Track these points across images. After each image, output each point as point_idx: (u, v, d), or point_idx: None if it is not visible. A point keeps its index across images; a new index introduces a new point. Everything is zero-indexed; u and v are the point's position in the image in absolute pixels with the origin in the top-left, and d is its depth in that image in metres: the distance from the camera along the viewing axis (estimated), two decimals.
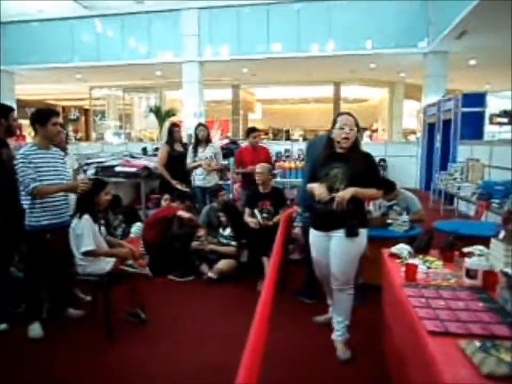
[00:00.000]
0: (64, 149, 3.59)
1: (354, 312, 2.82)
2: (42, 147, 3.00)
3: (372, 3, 9.97)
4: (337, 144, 2.64)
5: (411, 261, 2.37)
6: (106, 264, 3.04)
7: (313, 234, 2.80)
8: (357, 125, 2.66)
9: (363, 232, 2.69)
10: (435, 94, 9.94)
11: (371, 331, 2.94)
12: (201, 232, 4.51)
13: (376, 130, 15.87)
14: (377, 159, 8.89)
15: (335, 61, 11.26)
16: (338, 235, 2.64)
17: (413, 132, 15.00)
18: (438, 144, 9.46)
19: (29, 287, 3.09)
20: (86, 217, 3.04)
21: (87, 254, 3.00)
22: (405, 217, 3.78)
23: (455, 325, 1.65)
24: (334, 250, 2.68)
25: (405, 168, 10.30)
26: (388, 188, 4.05)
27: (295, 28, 10.61)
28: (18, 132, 3.40)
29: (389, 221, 3.89)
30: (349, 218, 2.61)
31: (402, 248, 2.62)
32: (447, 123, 8.87)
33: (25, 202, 2.99)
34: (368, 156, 2.73)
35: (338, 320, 2.78)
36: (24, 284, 3.15)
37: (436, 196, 8.17)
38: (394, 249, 2.66)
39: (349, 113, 2.72)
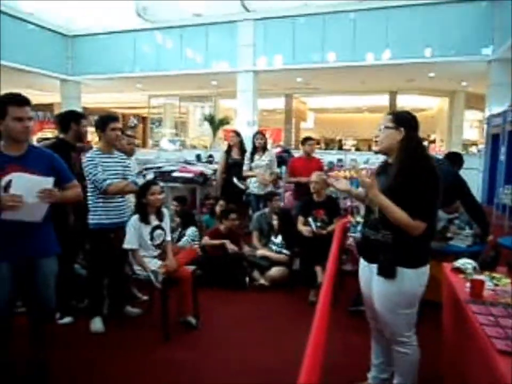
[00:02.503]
0: (128, 154, 3.75)
1: None
2: (105, 151, 3.18)
3: (431, 9, 9.68)
4: None
5: (477, 276, 2.25)
6: (152, 265, 3.14)
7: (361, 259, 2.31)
8: (400, 123, 2.03)
9: (408, 273, 1.98)
10: (499, 103, 9.41)
11: (428, 351, 2.82)
12: (254, 239, 4.55)
13: (434, 141, 15.28)
14: None
15: (391, 70, 11.01)
16: (375, 271, 2.08)
17: (474, 144, 14.29)
18: (502, 156, 8.93)
19: (91, 283, 3.26)
20: (135, 217, 3.21)
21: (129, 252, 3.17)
22: (468, 231, 3.60)
23: None
24: (374, 289, 2.13)
25: (467, 181, 9.78)
26: (448, 199, 3.89)
27: (350, 37, 10.51)
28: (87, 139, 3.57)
29: (450, 235, 3.72)
30: (384, 250, 2.00)
31: (467, 263, 2.50)
32: None
33: (89, 202, 3.17)
34: (420, 170, 1.94)
35: (396, 382, 2.20)
36: (87, 280, 3.33)
37: (499, 211, 7.71)
38: (457, 263, 2.55)
39: (389, 112, 2.19)
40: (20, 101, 2.17)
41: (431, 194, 1.94)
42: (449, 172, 3.40)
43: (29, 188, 2.13)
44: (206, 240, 4.34)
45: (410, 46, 10.09)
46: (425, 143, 14.58)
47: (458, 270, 2.50)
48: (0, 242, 2.17)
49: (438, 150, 13.57)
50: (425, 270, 2.03)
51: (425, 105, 16.04)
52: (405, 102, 14.94)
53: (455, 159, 4.02)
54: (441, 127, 15.11)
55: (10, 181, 2.11)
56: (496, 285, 2.26)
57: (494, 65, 9.61)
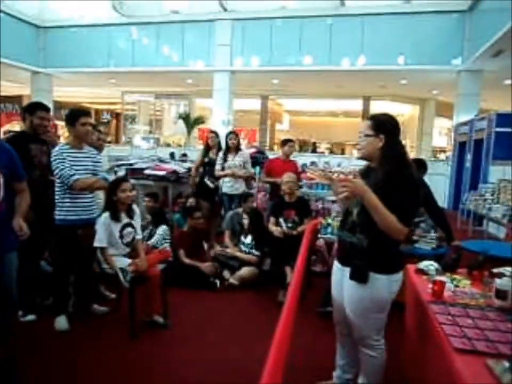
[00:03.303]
0: (98, 149, 3.69)
1: None
2: (75, 146, 3.12)
3: (406, 18, 9.94)
4: None
5: (439, 278, 2.33)
6: (121, 264, 3.10)
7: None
8: (379, 129, 2.00)
9: (380, 279, 1.96)
10: (467, 112, 9.76)
11: (393, 351, 2.89)
12: (226, 238, 4.55)
13: None
14: None
15: (365, 76, 11.23)
16: (348, 274, 2.05)
17: (443, 150, 14.74)
18: (468, 163, 9.27)
19: (56, 280, 3.19)
20: (105, 215, 3.16)
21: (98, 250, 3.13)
22: (433, 234, 3.72)
23: (483, 344, 1.61)
24: (345, 292, 2.11)
25: (433, 187, 9.96)
26: None
27: (327, 42, 10.66)
28: (47, 131, 3.44)
29: (415, 237, 3.83)
30: (358, 254, 1.97)
31: (430, 265, 2.59)
32: (478, 142, 8.69)
33: (56, 197, 3.10)
34: (402, 178, 1.93)
35: (360, 382, 2.22)
36: (53, 277, 3.25)
37: (464, 216, 7.98)
38: (421, 265, 2.63)
39: (369, 117, 2.12)
40: None
41: (413, 202, 1.95)
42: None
43: None
44: (183, 259, 4.26)
45: (385, 53, 10.33)
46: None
47: (421, 272, 2.58)
48: None
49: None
50: (399, 277, 2.02)
51: (396, 111, 16.42)
52: (378, 108, 15.25)
53: (419, 165, 4.14)
54: (411, 133, 15.51)
55: None
56: (457, 286, 2.35)
57: (463, 76, 9.95)
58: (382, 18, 10.19)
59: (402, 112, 16.41)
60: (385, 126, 2.02)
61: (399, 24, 10.05)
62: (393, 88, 12.93)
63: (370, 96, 14.45)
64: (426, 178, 3.72)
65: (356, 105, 14.94)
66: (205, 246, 4.60)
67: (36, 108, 3.26)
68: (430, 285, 2.28)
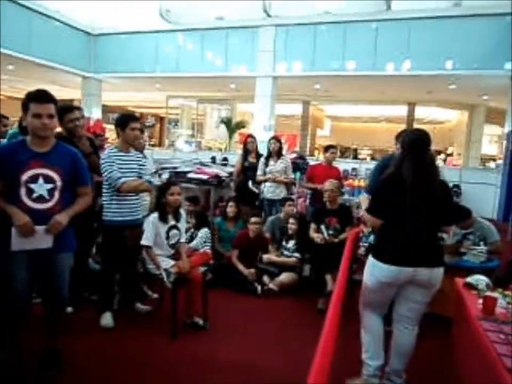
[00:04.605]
0: (138, 149, 3.78)
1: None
2: (123, 149, 3.23)
3: (455, 22, 9.59)
4: None
5: (489, 293, 2.23)
6: (165, 265, 3.18)
7: None
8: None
9: (369, 259, 2.42)
10: None
11: (437, 364, 2.79)
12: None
13: (451, 155, 15.10)
14: (450, 184, 8.45)
15: (411, 81, 10.94)
16: None
17: (493, 159, 14.07)
18: None
19: (103, 279, 3.31)
20: (154, 215, 3.26)
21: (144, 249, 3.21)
22: (482, 247, 3.56)
23: None
24: None
25: (482, 197, 9.65)
26: (462, 215, 3.85)
27: (371, 46, 10.47)
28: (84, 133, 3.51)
29: (463, 250, 3.69)
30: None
31: (480, 280, 2.49)
32: None
33: (104, 199, 3.23)
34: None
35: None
36: (100, 275, 3.38)
37: None
38: (470, 279, 2.53)
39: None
40: (40, 98, 2.24)
41: (375, 197, 2.49)
42: None
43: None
44: (234, 260, 4.35)
45: (432, 57, 10.00)
46: (442, 156, 14.42)
47: (470, 286, 2.48)
48: None
49: (454, 164, 13.42)
50: (381, 265, 2.30)
51: (443, 117, 15.88)
52: (423, 114, 14.83)
53: None
54: (459, 140, 14.93)
55: None
56: (509, 303, 2.23)
57: None
58: (429, 21, 9.89)
59: (450, 118, 15.85)
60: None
61: (448, 27, 9.71)
62: (441, 94, 12.50)
63: (416, 102, 14.05)
64: (474, 186, 3.62)
65: (399, 111, 14.56)
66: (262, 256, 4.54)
67: (67, 110, 3.30)
68: (480, 300, 2.19)
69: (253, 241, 4.46)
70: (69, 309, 3.26)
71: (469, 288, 2.47)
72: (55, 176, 2.30)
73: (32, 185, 2.24)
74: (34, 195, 2.25)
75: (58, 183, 2.31)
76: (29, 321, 2.42)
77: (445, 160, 14.06)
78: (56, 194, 2.32)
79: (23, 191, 2.23)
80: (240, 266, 4.29)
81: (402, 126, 14.24)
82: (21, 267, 2.27)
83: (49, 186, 2.29)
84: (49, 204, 2.30)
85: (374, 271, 2.35)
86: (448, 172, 9.16)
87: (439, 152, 14.56)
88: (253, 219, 4.51)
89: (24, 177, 2.22)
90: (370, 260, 2.39)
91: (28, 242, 2.23)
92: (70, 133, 3.26)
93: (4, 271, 2.28)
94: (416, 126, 14.19)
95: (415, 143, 2.36)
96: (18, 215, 2.20)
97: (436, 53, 9.96)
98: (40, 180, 2.26)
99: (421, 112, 14.28)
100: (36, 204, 2.26)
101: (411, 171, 2.28)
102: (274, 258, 4.42)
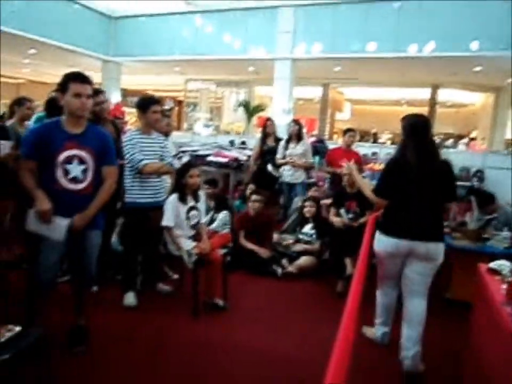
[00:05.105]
0: (166, 134, 3.83)
1: (429, 330, 2.65)
2: (144, 132, 3.26)
3: (480, 1, 9.23)
4: None
5: None
6: (186, 246, 3.21)
7: None
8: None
9: (377, 234, 2.69)
10: None
11: (454, 349, 2.80)
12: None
13: (474, 139, 14.72)
14: (473, 169, 8.30)
15: (434, 63, 10.62)
16: None
17: None
18: None
19: (126, 259, 3.39)
20: (174, 195, 3.29)
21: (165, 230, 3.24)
22: (506, 233, 3.50)
23: None
24: None
25: (506, 182, 9.41)
26: (486, 200, 3.80)
27: (393, 27, 10.19)
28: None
29: (487, 235, 3.63)
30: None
31: (504, 265, 2.44)
32: None
33: (126, 181, 3.28)
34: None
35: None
36: (123, 256, 3.46)
37: None
38: (493, 265, 2.49)
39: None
40: (80, 78, 2.33)
41: (382, 178, 2.68)
42: None
43: None
44: (242, 240, 4.37)
45: (456, 38, 9.69)
46: (465, 140, 14.07)
47: (494, 271, 2.44)
48: (56, 212, 2.31)
49: (478, 148, 13.09)
50: (386, 239, 2.59)
51: (467, 100, 15.44)
52: (447, 97, 14.43)
53: None
54: (483, 124, 14.53)
55: None
56: None
57: None
58: (454, 1, 9.55)
59: (474, 101, 15.41)
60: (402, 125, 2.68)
61: (473, 6, 9.35)
62: (465, 76, 12.12)
63: (439, 84, 13.68)
64: (498, 172, 3.59)
65: (422, 93, 14.19)
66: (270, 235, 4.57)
67: (94, 93, 3.38)
68: (504, 286, 2.16)
69: (256, 220, 4.45)
70: (94, 288, 3.36)
71: (492, 274, 2.43)
72: (87, 157, 2.37)
73: (68, 166, 2.32)
74: (70, 176, 2.33)
75: (91, 164, 2.39)
76: (57, 299, 2.50)
77: (467, 144, 13.73)
78: (89, 175, 2.39)
79: (59, 172, 2.31)
80: (250, 245, 4.31)
81: (424, 110, 13.93)
82: (53, 244, 2.34)
83: (83, 167, 2.36)
84: (83, 185, 2.37)
85: (379, 243, 2.65)
86: (471, 157, 8.96)
87: (461, 137, 14.20)
88: (253, 197, 4.48)
89: (61, 158, 2.29)
90: (377, 233, 2.68)
91: (42, 227, 2.29)
92: (95, 116, 3.30)
93: (35, 247, 2.36)
94: (438, 109, 13.87)
95: (416, 127, 2.58)
96: (42, 200, 2.26)
97: (461, 34, 9.63)
98: (75, 161, 2.34)
99: (444, 95, 13.89)
100: (71, 184, 2.34)
101: (414, 154, 2.48)
102: (296, 247, 4.41)
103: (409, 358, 2.52)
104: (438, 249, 2.55)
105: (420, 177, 2.48)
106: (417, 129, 2.58)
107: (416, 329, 2.55)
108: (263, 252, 4.24)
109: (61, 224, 2.30)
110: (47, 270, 2.36)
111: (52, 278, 2.41)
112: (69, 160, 2.31)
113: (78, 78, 2.31)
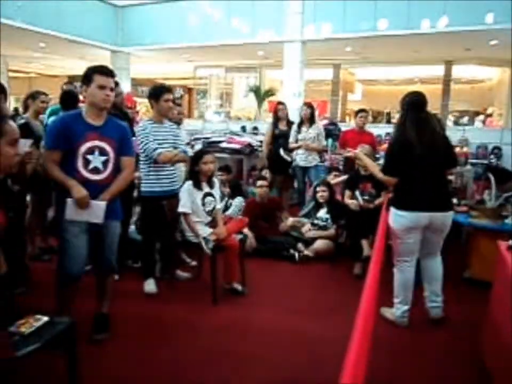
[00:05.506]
0: (178, 123, 3.85)
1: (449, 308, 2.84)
2: (157, 121, 3.28)
3: None
4: None
5: None
6: (203, 232, 3.24)
7: None
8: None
9: (391, 210, 2.79)
10: None
11: (468, 326, 2.82)
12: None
13: (491, 115, 14.39)
14: (490, 146, 8.14)
15: (448, 38, 10.34)
16: None
17: None
18: None
19: (145, 247, 3.44)
20: (189, 182, 3.31)
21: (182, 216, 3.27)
22: None
23: None
24: None
25: None
26: (504, 178, 3.74)
27: (404, 3, 9.93)
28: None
29: (505, 213, 3.57)
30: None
31: None
32: None
33: (141, 170, 3.31)
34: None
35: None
36: (141, 245, 3.51)
37: None
38: None
39: None
40: (105, 71, 2.38)
41: (388, 156, 2.83)
42: None
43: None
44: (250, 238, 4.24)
45: (470, 11, 9.39)
46: (481, 117, 13.77)
47: None
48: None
49: (495, 125, 12.81)
50: (401, 213, 2.70)
51: (483, 76, 15.04)
52: (461, 73, 14.09)
53: None
54: (500, 99, 14.17)
55: None
56: None
57: None
58: None
59: (490, 76, 15.01)
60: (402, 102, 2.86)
61: None
62: (480, 51, 11.79)
63: (453, 61, 13.35)
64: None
65: (435, 71, 13.87)
66: (281, 216, 4.61)
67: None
68: None
69: (265, 205, 4.45)
70: (116, 277, 3.44)
71: None
72: (108, 148, 2.41)
73: (89, 157, 2.36)
74: (90, 166, 2.37)
75: (111, 155, 2.42)
76: (81, 288, 2.56)
77: (484, 121, 13.43)
78: (110, 166, 2.43)
79: (80, 162, 2.35)
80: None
81: (438, 87, 13.65)
82: (79, 234, 2.39)
83: (104, 158, 2.40)
84: (103, 175, 2.41)
85: (397, 219, 2.73)
86: (488, 134, 8.78)
87: (477, 113, 13.89)
88: (259, 182, 4.49)
89: (83, 149, 2.33)
90: (393, 210, 2.76)
91: (82, 214, 2.33)
92: (113, 107, 3.34)
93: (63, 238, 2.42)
94: (453, 86, 13.56)
95: (413, 103, 2.77)
96: (77, 188, 2.30)
97: (475, 6, 9.34)
98: (96, 152, 2.37)
99: (458, 71, 13.56)
100: (91, 175, 2.38)
101: (414, 128, 2.65)
102: (315, 232, 4.41)
103: (435, 308, 2.88)
104: (451, 218, 2.80)
105: (422, 150, 2.63)
106: (414, 105, 2.78)
107: (438, 283, 2.89)
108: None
109: (99, 206, 2.34)
110: (74, 261, 2.41)
111: (79, 270, 2.46)
112: (90, 151, 2.36)
113: (102, 70, 2.37)
